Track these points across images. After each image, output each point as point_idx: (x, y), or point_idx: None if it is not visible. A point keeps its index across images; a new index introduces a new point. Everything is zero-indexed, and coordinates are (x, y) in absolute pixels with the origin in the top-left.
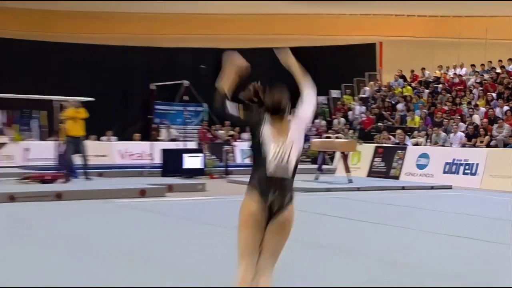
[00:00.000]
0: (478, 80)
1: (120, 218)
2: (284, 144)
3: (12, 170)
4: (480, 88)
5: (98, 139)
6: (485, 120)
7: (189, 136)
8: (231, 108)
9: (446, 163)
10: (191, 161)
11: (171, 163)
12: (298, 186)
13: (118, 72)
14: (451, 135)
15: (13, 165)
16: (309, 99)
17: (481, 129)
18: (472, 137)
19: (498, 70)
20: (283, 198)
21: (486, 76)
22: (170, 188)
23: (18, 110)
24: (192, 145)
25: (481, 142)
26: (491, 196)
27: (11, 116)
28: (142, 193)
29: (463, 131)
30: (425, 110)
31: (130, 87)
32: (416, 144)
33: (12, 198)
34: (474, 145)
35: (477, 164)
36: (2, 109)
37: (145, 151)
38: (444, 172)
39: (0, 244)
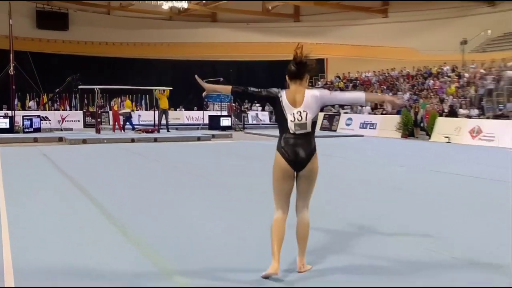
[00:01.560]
0: (377, 79)
1: (191, 151)
2: (299, 110)
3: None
4: (378, 83)
5: (175, 110)
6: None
7: (224, 108)
8: (253, 90)
9: (361, 123)
10: (225, 121)
11: (214, 123)
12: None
13: (186, 74)
14: (364, 108)
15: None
16: (340, 96)
17: (378, 104)
18: (374, 108)
19: (386, 75)
20: (306, 151)
21: (381, 77)
22: (213, 136)
23: (133, 94)
24: (225, 113)
25: (378, 111)
26: (383, 140)
27: (130, 97)
28: (199, 138)
29: (370, 106)
30: None
31: (191, 81)
32: (346, 113)
33: (133, 140)
34: (374, 113)
35: (376, 123)
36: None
37: (200, 116)
38: (360, 127)
39: (129, 166)
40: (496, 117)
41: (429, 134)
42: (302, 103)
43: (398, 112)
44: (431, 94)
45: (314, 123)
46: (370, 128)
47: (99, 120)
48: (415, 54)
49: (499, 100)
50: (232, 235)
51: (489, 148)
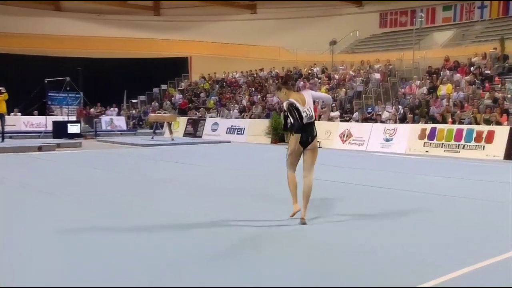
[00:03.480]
0: (245, 80)
1: (29, 164)
2: (306, 107)
3: None
4: (246, 85)
5: (8, 114)
6: (248, 103)
7: (71, 113)
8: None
9: (228, 128)
10: (73, 128)
11: (59, 130)
12: (139, 143)
13: (22, 72)
14: (231, 111)
15: None
16: (319, 95)
17: (246, 108)
18: (243, 112)
19: (255, 75)
20: (312, 134)
21: (249, 78)
22: (58, 145)
23: None
24: (73, 118)
25: (246, 115)
26: (251, 145)
27: None
28: (40, 148)
29: (237, 109)
30: (216, 97)
31: (31, 81)
32: (211, 117)
33: None
34: (243, 117)
35: (244, 128)
36: None
37: (42, 122)
38: (227, 133)
39: None
40: (365, 120)
41: None
42: (305, 102)
43: (267, 116)
44: None
45: (314, 117)
46: (238, 134)
47: None
48: (284, 53)
49: (367, 103)
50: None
51: (359, 153)
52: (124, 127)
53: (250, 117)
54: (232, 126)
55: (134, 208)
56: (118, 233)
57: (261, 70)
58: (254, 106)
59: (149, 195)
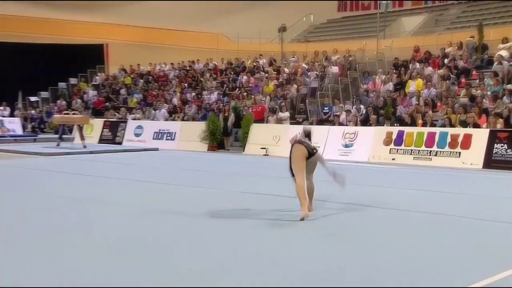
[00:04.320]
0: (176, 74)
1: None
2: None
3: None
4: (177, 80)
5: None
6: (180, 102)
7: None
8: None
9: (155, 132)
10: None
11: None
12: (40, 151)
13: None
14: (158, 112)
15: None
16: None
17: (178, 108)
18: (173, 113)
19: (188, 68)
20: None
21: (181, 71)
22: None
23: None
24: None
25: (178, 117)
26: (184, 154)
27: None
28: None
29: (166, 109)
30: (140, 94)
31: None
32: (134, 119)
33: None
34: (173, 119)
35: (175, 133)
36: None
37: None
38: (153, 138)
39: None
40: (321, 122)
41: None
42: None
43: (203, 117)
44: (245, 93)
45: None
46: (167, 139)
47: None
48: (224, 41)
49: (323, 102)
50: None
51: None
52: (20, 132)
53: (183, 119)
54: (160, 130)
55: (38, 238)
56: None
57: (196, 61)
58: (187, 105)
59: (61, 220)
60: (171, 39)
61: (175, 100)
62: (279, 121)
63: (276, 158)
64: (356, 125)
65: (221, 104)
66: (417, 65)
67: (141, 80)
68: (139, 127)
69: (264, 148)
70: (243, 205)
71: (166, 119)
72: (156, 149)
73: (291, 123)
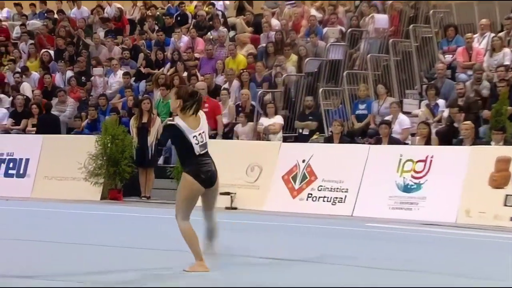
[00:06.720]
0: (29, 29)
1: None
2: (197, 132)
3: None
4: (31, 42)
5: None
6: (38, 91)
7: None
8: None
9: None
10: None
11: None
12: None
13: None
14: None
15: None
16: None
17: (33, 106)
18: (23, 117)
19: (57, 16)
20: (213, 170)
21: (39, 23)
22: None
23: None
24: None
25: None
26: (43, 211)
27: None
28: None
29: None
30: None
31: None
32: None
33: None
34: (23, 130)
35: (29, 160)
36: None
37: None
38: None
39: None
40: (351, 136)
41: None
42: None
43: (91, 127)
44: (185, 74)
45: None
46: (9, 175)
47: None
48: None
49: (358, 92)
50: None
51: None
52: None
53: (43, 129)
54: None
55: None
56: None
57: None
58: (55, 99)
59: None
60: None
61: (28, 88)
62: (262, 132)
63: (252, 215)
64: (428, 142)
65: (133, 98)
66: None
67: None
68: None
69: (227, 194)
70: None
71: (4, 130)
72: None
73: (285, 139)
